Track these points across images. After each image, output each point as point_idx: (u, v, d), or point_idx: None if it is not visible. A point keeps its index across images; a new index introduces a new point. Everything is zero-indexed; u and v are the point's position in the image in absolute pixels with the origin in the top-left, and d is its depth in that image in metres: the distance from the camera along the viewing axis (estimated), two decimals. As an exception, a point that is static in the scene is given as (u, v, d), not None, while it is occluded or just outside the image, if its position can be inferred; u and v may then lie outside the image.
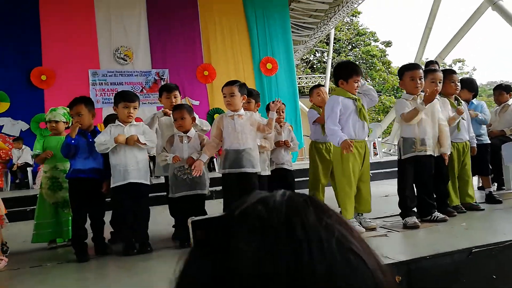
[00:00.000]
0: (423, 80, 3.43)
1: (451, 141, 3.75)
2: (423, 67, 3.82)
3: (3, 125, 10.17)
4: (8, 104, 10.36)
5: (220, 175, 3.37)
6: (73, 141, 3.13)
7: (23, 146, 9.44)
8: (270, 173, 3.73)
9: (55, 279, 2.67)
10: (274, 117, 3.33)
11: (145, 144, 3.17)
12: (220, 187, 3.44)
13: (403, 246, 2.89)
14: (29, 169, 9.17)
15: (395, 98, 27.53)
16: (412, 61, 17.12)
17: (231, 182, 3.27)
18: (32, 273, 2.89)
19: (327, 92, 4.46)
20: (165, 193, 3.65)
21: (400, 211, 3.45)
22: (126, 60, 11.42)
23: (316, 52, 28.57)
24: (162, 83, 11.57)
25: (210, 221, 0.75)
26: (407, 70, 3.47)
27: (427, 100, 3.27)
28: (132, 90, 10.92)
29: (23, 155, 9.20)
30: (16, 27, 10.51)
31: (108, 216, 3.56)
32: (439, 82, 3.57)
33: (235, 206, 0.45)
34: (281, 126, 4.08)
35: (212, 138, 3.37)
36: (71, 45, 10.76)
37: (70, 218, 3.63)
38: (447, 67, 17.32)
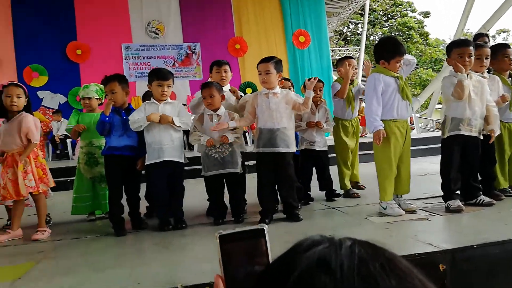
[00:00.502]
0: (472, 58, 3.19)
1: (503, 121, 3.53)
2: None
3: (43, 98, 10.50)
4: (46, 77, 10.64)
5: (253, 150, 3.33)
6: (107, 119, 3.14)
7: (62, 119, 9.72)
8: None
9: (95, 253, 2.74)
10: (311, 96, 3.22)
11: (179, 126, 3.16)
12: (255, 162, 3.39)
13: (446, 232, 2.77)
14: (68, 141, 9.47)
15: (432, 71, 26.47)
16: (453, 33, 16.24)
17: (265, 161, 3.22)
18: (73, 245, 2.98)
19: (357, 66, 4.21)
20: (200, 167, 3.65)
21: (442, 193, 3.31)
22: (158, 34, 11.42)
23: (350, 24, 27.64)
24: (194, 57, 11.56)
25: (238, 235, 0.69)
26: (456, 46, 3.24)
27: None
28: (164, 64, 11.16)
29: (62, 127, 9.48)
30: (51, 2, 10.64)
31: (144, 190, 3.62)
32: (486, 58, 3.34)
33: (285, 263, 0.36)
34: (317, 106, 3.95)
35: (246, 114, 3.30)
36: (104, 19, 10.84)
37: (107, 192, 3.70)
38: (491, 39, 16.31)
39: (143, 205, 3.65)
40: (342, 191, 4.08)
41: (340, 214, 3.40)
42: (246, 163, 3.77)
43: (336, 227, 2.94)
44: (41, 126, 3.60)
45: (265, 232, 0.66)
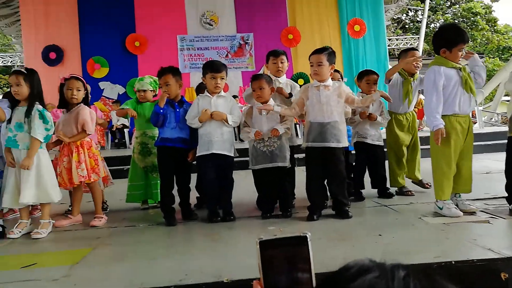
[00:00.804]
0: None
1: None
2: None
3: (104, 89, 11.05)
4: (107, 69, 11.18)
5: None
6: (161, 111, 3.22)
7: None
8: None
9: (147, 241, 2.84)
10: (376, 98, 3.11)
11: (230, 124, 3.21)
12: (303, 155, 3.34)
13: (509, 237, 2.57)
14: (126, 130, 9.91)
15: (500, 60, 24.67)
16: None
17: (315, 156, 3.15)
18: (127, 233, 3.11)
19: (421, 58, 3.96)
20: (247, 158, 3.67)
21: (506, 194, 3.07)
22: (212, 25, 11.57)
23: (409, 11, 26.35)
24: (247, 47, 11.60)
25: (280, 241, 0.66)
26: None
27: None
28: (217, 55, 11.30)
29: (121, 117, 9.91)
30: (111, -4, 11.10)
31: (194, 181, 3.69)
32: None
33: None
34: None
35: (294, 105, 3.25)
36: (161, 11, 11.15)
37: (158, 181, 3.82)
38: None
39: (194, 196, 3.73)
40: (396, 190, 3.92)
41: (392, 212, 3.27)
42: (295, 156, 3.73)
43: (387, 227, 2.83)
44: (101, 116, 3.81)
45: (308, 239, 0.64)
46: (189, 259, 2.34)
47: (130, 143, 9.76)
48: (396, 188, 3.93)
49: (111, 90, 11.17)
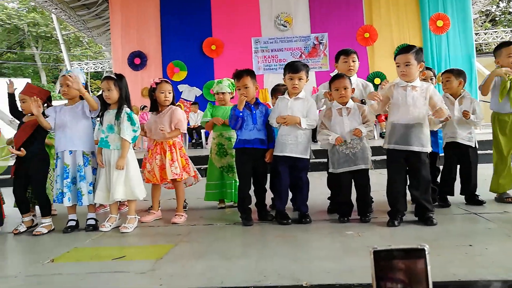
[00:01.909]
0: None
1: None
2: None
3: (182, 91, 11.60)
4: (185, 72, 11.71)
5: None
6: (241, 114, 3.28)
7: (198, 111, 10.57)
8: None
9: (224, 240, 2.90)
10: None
11: (305, 128, 3.18)
12: (380, 157, 3.21)
13: None
14: (202, 131, 10.28)
15: None
16: None
17: (397, 159, 3.00)
18: (205, 231, 3.21)
19: None
20: (323, 160, 3.61)
21: None
22: (286, 26, 11.61)
23: (500, 2, 24.22)
24: (321, 47, 11.46)
25: (395, 252, 0.62)
26: None
27: None
28: (291, 56, 11.30)
29: (199, 118, 10.34)
30: (191, 1, 11.60)
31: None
32: None
33: None
34: (456, 97, 3.55)
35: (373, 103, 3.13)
36: (236, 14, 11.43)
37: (233, 181, 3.91)
38: None
39: (268, 196, 3.74)
40: (496, 196, 3.61)
41: (483, 221, 3.01)
42: (372, 158, 3.59)
43: (478, 236, 2.61)
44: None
45: (426, 252, 0.60)
46: (266, 260, 2.35)
47: (206, 143, 10.14)
48: (496, 194, 3.62)
49: (189, 92, 11.68)
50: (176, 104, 3.94)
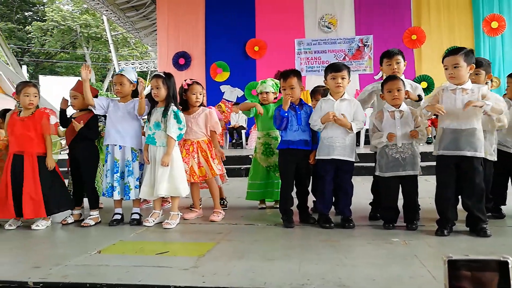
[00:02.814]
0: None
1: None
2: None
3: (224, 92, 11.72)
4: (228, 73, 11.84)
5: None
6: (286, 114, 3.25)
7: (240, 111, 10.62)
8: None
9: (265, 241, 2.88)
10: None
11: (351, 129, 3.11)
12: (426, 163, 3.08)
13: None
14: (243, 132, 10.35)
15: None
16: None
17: (447, 165, 2.86)
18: (246, 231, 3.20)
19: None
20: (366, 164, 3.52)
21: None
22: (330, 28, 11.47)
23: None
24: (366, 50, 11.23)
25: (472, 263, 0.58)
26: None
27: None
28: (334, 58, 11.16)
29: (240, 119, 10.41)
30: (236, 2, 11.71)
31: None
32: None
33: None
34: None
35: (423, 105, 3.01)
36: (280, 16, 11.42)
37: (279, 181, 3.88)
38: None
39: (310, 199, 3.69)
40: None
41: (542, 235, 2.81)
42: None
43: (538, 252, 2.43)
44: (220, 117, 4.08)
45: (510, 265, 0.55)
46: (308, 263, 2.30)
47: (247, 144, 10.19)
48: None
49: (231, 93, 11.79)
50: (218, 104, 4.00)
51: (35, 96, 3.51)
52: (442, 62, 2.92)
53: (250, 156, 7.17)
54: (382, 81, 3.25)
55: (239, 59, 11.77)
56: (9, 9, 32.03)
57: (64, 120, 3.65)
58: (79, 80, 3.63)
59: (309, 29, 11.54)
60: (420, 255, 2.40)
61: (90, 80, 3.46)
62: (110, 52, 24.28)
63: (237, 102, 11.20)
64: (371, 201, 3.56)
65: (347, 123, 3.09)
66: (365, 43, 11.26)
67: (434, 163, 3.04)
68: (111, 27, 19.99)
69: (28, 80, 3.74)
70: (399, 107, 3.09)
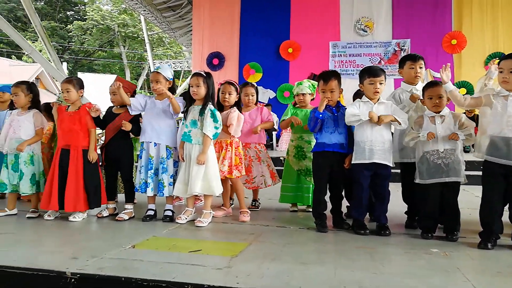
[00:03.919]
0: None
1: None
2: None
3: (256, 93, 11.71)
4: (260, 74, 11.84)
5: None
6: (321, 115, 3.19)
7: (271, 113, 10.56)
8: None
9: (298, 244, 2.83)
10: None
11: (400, 123, 2.99)
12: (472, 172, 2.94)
13: None
14: (273, 133, 10.31)
15: None
16: None
17: (495, 174, 2.72)
18: (278, 233, 3.16)
19: None
20: (398, 170, 3.42)
21: None
22: (366, 31, 11.28)
23: None
24: (402, 54, 10.95)
25: None
26: None
27: None
28: (369, 62, 10.97)
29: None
30: (269, 2, 11.70)
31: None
32: None
33: None
34: None
35: (468, 97, 2.93)
36: (315, 18, 11.33)
37: (310, 186, 3.82)
38: None
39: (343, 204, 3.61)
40: None
41: None
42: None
43: None
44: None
45: None
46: (344, 269, 2.24)
47: (277, 145, 10.14)
48: None
49: (263, 94, 11.77)
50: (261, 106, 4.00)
51: (68, 91, 3.60)
52: (498, 65, 2.79)
53: (281, 158, 7.17)
54: (401, 88, 3.29)
55: (272, 61, 11.75)
56: (53, 8, 33.36)
57: (98, 122, 3.72)
58: (117, 76, 3.70)
59: (345, 32, 11.39)
60: (463, 268, 2.29)
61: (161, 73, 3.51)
62: (145, 51, 24.81)
63: (269, 103, 11.17)
64: (406, 210, 3.45)
65: (393, 118, 3.01)
66: (402, 47, 11.00)
67: (473, 173, 2.92)
68: (147, 27, 20.41)
69: (68, 76, 3.83)
70: (440, 112, 2.98)
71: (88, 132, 3.62)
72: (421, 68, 3.39)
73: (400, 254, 2.59)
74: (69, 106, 3.67)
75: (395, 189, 3.95)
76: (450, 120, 2.97)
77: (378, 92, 3.12)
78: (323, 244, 2.86)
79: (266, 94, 11.75)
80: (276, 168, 4.24)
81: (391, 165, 3.10)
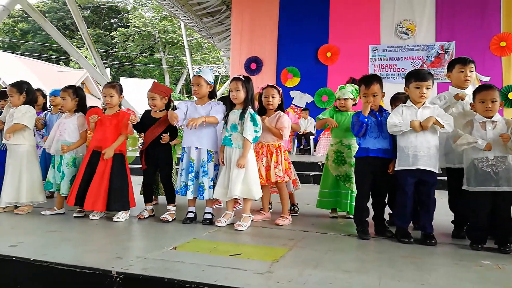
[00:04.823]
0: None
1: None
2: None
3: (293, 97, 11.67)
4: (298, 79, 11.78)
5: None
6: (366, 120, 3.12)
7: (309, 117, 10.52)
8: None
9: (339, 251, 2.77)
10: None
11: (443, 126, 2.87)
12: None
13: None
14: (311, 138, 10.21)
15: None
16: None
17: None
18: (318, 239, 3.11)
19: None
20: (443, 177, 3.29)
21: None
22: (407, 34, 10.98)
23: None
24: (446, 57, 10.58)
25: None
26: None
27: None
28: (411, 65, 10.66)
29: (308, 125, 10.28)
30: (309, 9, 11.64)
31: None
32: None
33: None
34: None
35: None
36: (355, 22, 11.16)
37: (349, 192, 3.74)
38: None
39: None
40: None
41: None
42: None
43: None
44: (294, 120, 4.02)
45: None
46: (389, 279, 2.16)
47: (315, 150, 10.03)
48: None
49: (300, 98, 11.71)
50: (286, 110, 3.97)
51: (111, 97, 3.72)
52: None
53: (319, 163, 7.08)
54: (448, 92, 3.15)
55: (310, 65, 11.66)
56: (98, 16, 34.81)
57: (137, 127, 3.82)
58: (154, 81, 3.79)
59: (385, 35, 11.13)
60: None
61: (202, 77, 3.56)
62: (184, 56, 25.36)
63: (306, 108, 11.09)
64: (453, 219, 3.30)
65: (435, 120, 2.89)
66: (446, 50, 10.62)
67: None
68: (187, 33, 20.85)
69: (110, 80, 3.96)
70: (492, 117, 2.83)
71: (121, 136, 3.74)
72: (471, 72, 3.24)
73: (449, 265, 2.48)
74: (105, 109, 3.79)
75: (439, 197, 3.80)
76: (502, 126, 2.81)
77: (424, 97, 3.01)
78: (365, 252, 2.79)
79: (303, 99, 11.68)
80: (314, 173, 4.19)
81: (437, 172, 2.98)
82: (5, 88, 4.22)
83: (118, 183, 3.66)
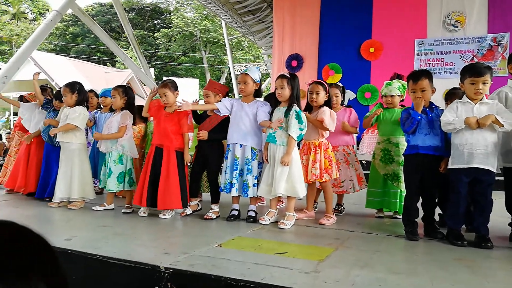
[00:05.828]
0: None
1: None
2: None
3: (335, 95, 11.47)
4: (340, 75, 11.56)
5: None
6: (419, 117, 3.01)
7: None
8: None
9: (387, 252, 2.69)
10: None
11: (502, 125, 2.70)
12: None
13: None
14: (354, 135, 9.96)
15: None
16: None
17: None
18: (365, 239, 3.04)
19: None
20: (500, 177, 3.10)
21: None
22: (456, 27, 10.48)
23: None
24: (499, 49, 10.02)
25: None
26: None
27: None
28: (460, 59, 10.18)
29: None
30: (352, 4, 11.39)
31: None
32: None
33: None
34: None
35: None
36: (399, 16, 10.79)
37: (398, 191, 3.63)
38: None
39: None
40: None
41: None
42: None
43: None
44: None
45: None
46: (442, 282, 2.07)
47: (358, 148, 9.81)
48: None
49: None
50: (349, 107, 3.92)
51: (166, 95, 3.78)
52: None
53: (362, 162, 6.92)
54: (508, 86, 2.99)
55: (353, 61, 11.40)
56: (142, 18, 35.89)
57: (196, 118, 3.88)
58: (210, 79, 3.83)
59: (432, 28, 10.68)
60: None
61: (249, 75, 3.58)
62: (225, 55, 25.60)
63: (349, 104, 10.84)
64: (510, 221, 3.12)
65: (490, 116, 2.72)
66: (499, 42, 10.04)
67: None
68: (227, 32, 21.05)
69: (164, 80, 4.01)
70: None
71: (182, 135, 3.78)
72: None
73: (507, 270, 2.35)
74: (166, 106, 3.84)
75: (494, 198, 3.61)
76: None
77: (480, 93, 2.84)
78: (415, 254, 2.69)
79: (346, 95, 11.44)
80: (361, 172, 4.09)
81: (495, 171, 2.81)
82: (60, 88, 4.44)
83: (183, 181, 3.73)
